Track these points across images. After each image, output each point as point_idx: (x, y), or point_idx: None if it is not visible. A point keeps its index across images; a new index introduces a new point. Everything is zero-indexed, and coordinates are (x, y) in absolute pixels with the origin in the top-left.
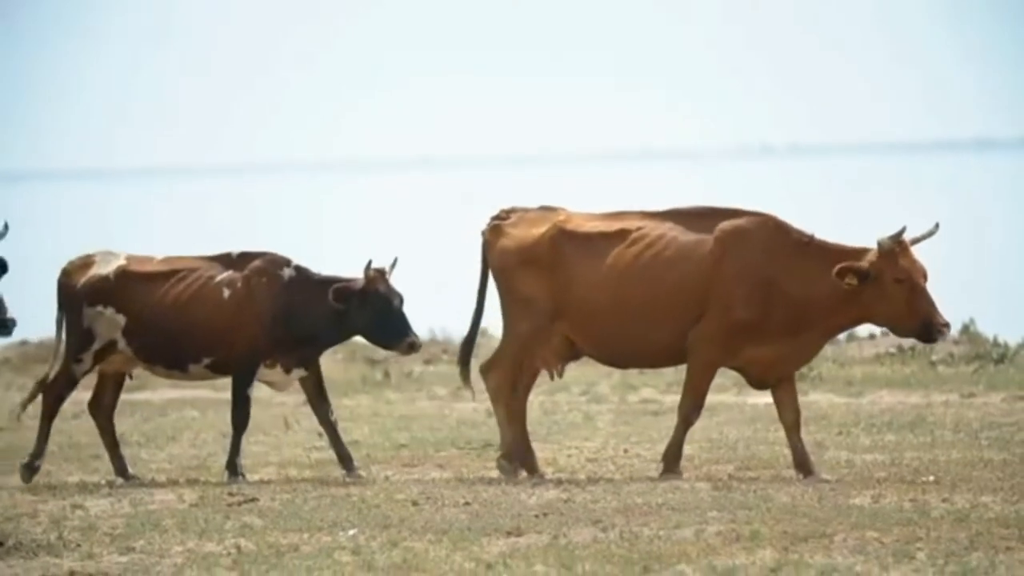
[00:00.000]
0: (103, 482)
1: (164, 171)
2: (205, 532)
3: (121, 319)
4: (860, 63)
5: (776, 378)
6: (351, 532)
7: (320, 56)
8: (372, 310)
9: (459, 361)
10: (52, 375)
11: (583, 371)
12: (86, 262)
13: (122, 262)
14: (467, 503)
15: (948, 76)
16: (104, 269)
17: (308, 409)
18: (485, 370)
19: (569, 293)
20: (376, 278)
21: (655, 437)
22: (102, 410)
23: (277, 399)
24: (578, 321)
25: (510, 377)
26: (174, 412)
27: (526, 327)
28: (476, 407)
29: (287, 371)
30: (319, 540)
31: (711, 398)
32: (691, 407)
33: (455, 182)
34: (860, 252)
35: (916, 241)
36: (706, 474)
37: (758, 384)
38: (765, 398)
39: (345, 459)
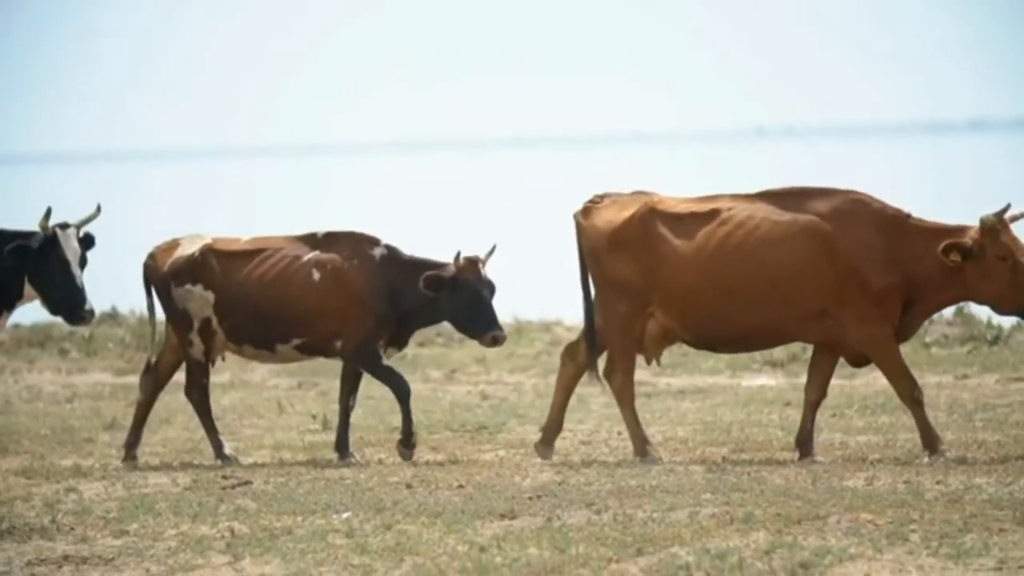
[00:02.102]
0: (97, 466)
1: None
2: (199, 515)
3: (210, 296)
4: (854, 46)
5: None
6: (345, 515)
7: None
8: (461, 298)
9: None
10: (153, 360)
11: None
12: (172, 245)
13: (208, 241)
14: (461, 486)
15: (942, 58)
16: (189, 249)
17: (302, 392)
18: (608, 373)
19: (660, 275)
20: (468, 267)
21: (648, 419)
22: (196, 398)
23: (271, 382)
24: (671, 304)
25: (630, 376)
26: (167, 395)
27: (624, 309)
28: (470, 390)
29: (386, 353)
30: (313, 523)
31: (704, 380)
32: (908, 387)
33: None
34: (959, 229)
35: (1015, 219)
36: (700, 456)
37: (855, 361)
38: (759, 380)
39: (342, 445)
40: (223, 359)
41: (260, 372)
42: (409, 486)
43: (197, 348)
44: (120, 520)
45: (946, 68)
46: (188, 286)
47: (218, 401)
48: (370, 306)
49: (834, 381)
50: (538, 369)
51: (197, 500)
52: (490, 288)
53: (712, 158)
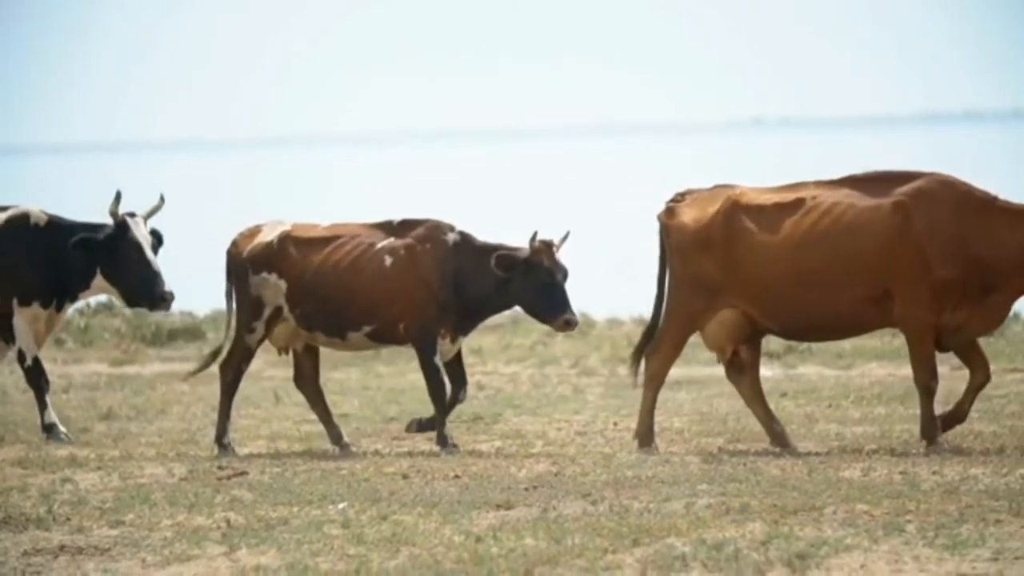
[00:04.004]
0: (92, 456)
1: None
2: (195, 506)
3: (283, 284)
4: (851, 37)
5: (964, 341)
6: (341, 505)
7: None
8: (534, 282)
9: (638, 347)
10: (227, 347)
11: (573, 344)
12: (253, 231)
13: (286, 228)
14: (457, 476)
15: (937, 49)
16: (268, 236)
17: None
18: (650, 354)
19: (747, 267)
20: (541, 250)
21: None
22: (307, 381)
23: (267, 372)
24: (757, 295)
25: (669, 364)
26: (163, 386)
27: (698, 305)
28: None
29: (452, 340)
30: (309, 513)
31: (701, 371)
32: (927, 375)
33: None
34: None
35: None
36: (696, 447)
37: (945, 347)
38: None
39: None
40: (297, 350)
41: (256, 363)
42: (405, 476)
43: (255, 336)
44: (116, 510)
45: (942, 59)
46: (264, 274)
47: (214, 392)
48: (435, 292)
49: (830, 373)
50: (534, 360)
51: (193, 490)
52: (563, 272)
53: (709, 149)
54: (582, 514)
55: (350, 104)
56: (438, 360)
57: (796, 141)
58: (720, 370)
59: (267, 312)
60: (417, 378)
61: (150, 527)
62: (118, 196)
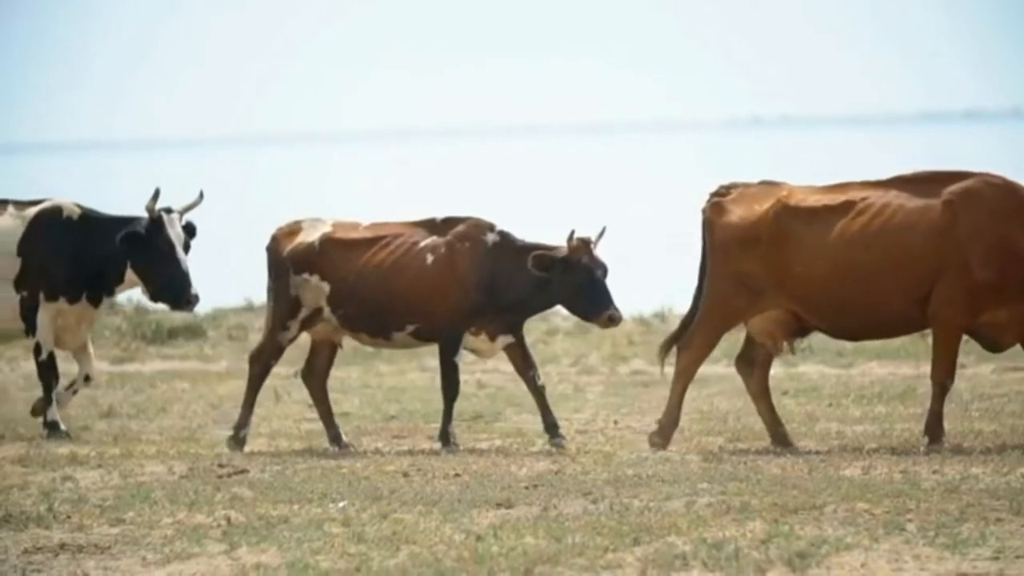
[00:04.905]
0: (93, 454)
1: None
2: (195, 504)
3: (326, 287)
4: (850, 35)
5: (1012, 341)
6: (341, 504)
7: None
8: (574, 279)
9: (672, 337)
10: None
11: (573, 343)
12: (293, 229)
13: (328, 229)
14: (457, 475)
15: (938, 47)
16: (310, 236)
17: (299, 381)
18: (683, 347)
19: (797, 267)
20: (579, 247)
21: (645, 408)
22: (315, 378)
23: None
24: (807, 295)
25: (702, 360)
26: (164, 384)
27: (740, 303)
28: (466, 379)
29: (492, 338)
30: (309, 511)
31: (701, 369)
32: (944, 373)
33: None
34: None
35: None
36: (696, 446)
37: (992, 347)
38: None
39: (551, 427)
40: (340, 347)
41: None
42: (406, 475)
43: (288, 335)
44: (116, 508)
45: (942, 58)
46: (306, 275)
47: (215, 389)
48: (470, 293)
49: (830, 371)
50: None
51: (193, 488)
52: (603, 269)
53: (708, 147)
54: (582, 513)
55: (347, 102)
56: (458, 359)
57: (795, 140)
58: (720, 368)
59: (304, 313)
60: (417, 377)
61: (150, 525)
62: (156, 193)
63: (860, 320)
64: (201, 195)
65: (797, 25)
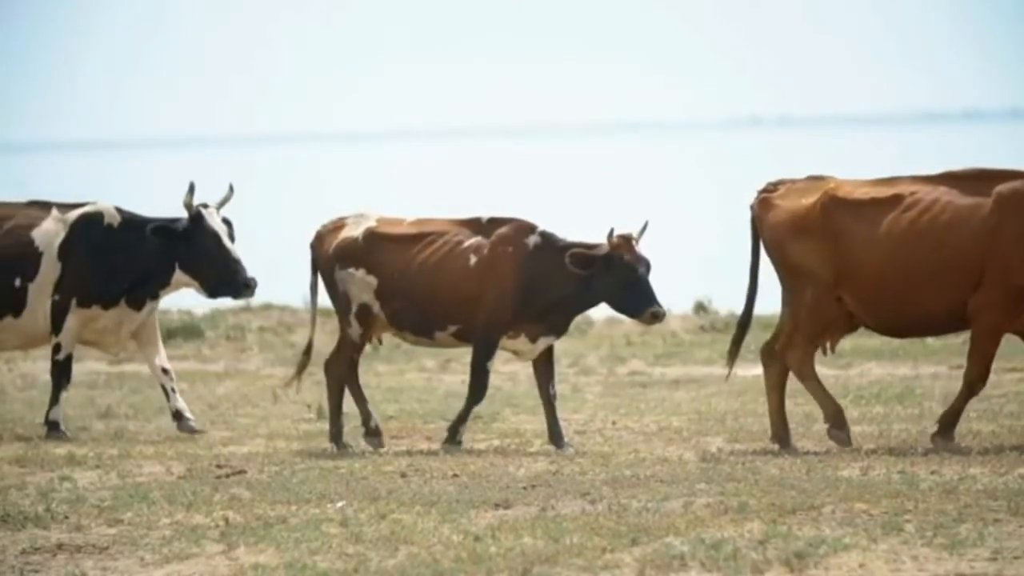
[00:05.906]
0: (91, 454)
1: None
2: (193, 504)
3: (373, 280)
4: (850, 35)
5: None
6: (339, 504)
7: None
8: (616, 277)
9: (734, 340)
10: (311, 340)
11: (571, 343)
12: (337, 225)
13: (372, 224)
14: (455, 475)
15: (937, 47)
16: (354, 231)
17: (296, 381)
18: (784, 349)
19: (844, 262)
20: (621, 244)
21: (643, 409)
22: (335, 368)
23: (265, 371)
24: (855, 291)
25: (812, 351)
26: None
27: (811, 294)
28: (464, 379)
29: (532, 340)
30: (307, 512)
31: (699, 370)
32: (977, 375)
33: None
34: None
35: None
36: (694, 446)
37: None
38: (753, 370)
39: (556, 438)
40: (380, 341)
41: (255, 361)
42: (403, 475)
43: (355, 330)
44: (114, 509)
45: (943, 58)
46: (351, 270)
47: (213, 390)
48: (509, 297)
49: (828, 372)
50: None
51: (191, 489)
52: (646, 265)
53: (707, 147)
54: (580, 513)
55: (344, 101)
56: (490, 364)
57: (795, 139)
58: (718, 369)
59: (355, 307)
60: (415, 377)
61: (148, 525)
62: (191, 188)
63: (908, 317)
64: (231, 189)
65: (797, 25)
